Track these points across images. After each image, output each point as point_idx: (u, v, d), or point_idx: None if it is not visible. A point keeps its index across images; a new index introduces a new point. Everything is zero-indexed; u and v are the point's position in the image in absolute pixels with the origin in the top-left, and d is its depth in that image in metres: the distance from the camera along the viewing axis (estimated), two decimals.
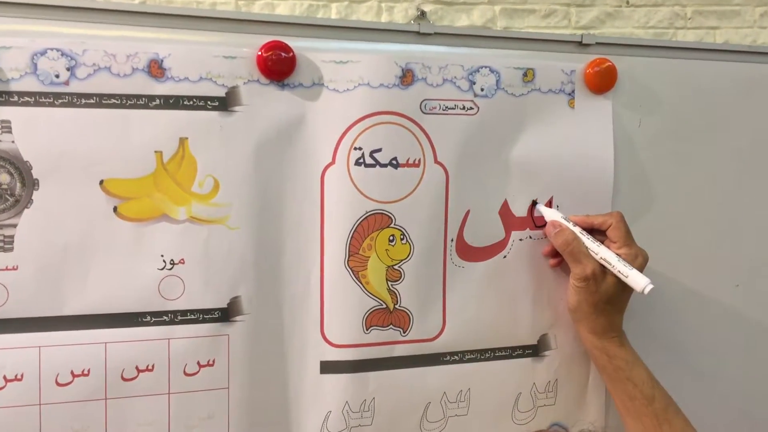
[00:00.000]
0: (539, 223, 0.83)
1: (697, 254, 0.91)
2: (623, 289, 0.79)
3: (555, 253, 0.83)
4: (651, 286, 0.75)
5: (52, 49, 0.68)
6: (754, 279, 0.94)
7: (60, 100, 0.68)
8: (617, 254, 0.78)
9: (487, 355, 0.83)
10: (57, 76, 0.68)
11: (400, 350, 0.80)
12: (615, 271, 0.77)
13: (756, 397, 0.96)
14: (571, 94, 0.83)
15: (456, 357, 0.82)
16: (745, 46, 0.90)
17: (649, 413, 0.77)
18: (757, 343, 0.95)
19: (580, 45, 0.84)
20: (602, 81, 0.83)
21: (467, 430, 0.84)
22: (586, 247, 0.79)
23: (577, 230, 0.80)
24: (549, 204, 0.83)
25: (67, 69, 0.68)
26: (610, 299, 0.79)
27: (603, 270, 0.78)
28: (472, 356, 0.83)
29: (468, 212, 0.81)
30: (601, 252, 0.78)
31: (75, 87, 0.69)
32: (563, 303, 0.84)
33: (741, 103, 0.90)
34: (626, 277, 0.76)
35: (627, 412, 0.80)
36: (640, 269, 0.77)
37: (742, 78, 0.90)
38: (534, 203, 0.83)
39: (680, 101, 0.88)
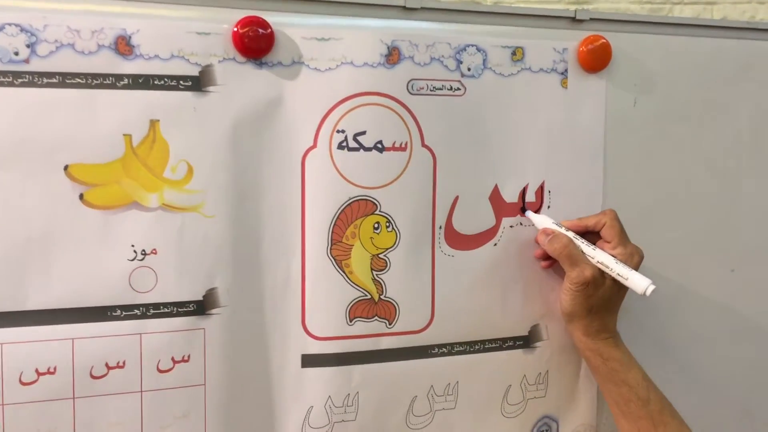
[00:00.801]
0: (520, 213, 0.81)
1: (693, 238, 0.89)
2: (619, 291, 0.77)
3: (547, 256, 0.80)
4: (653, 287, 0.73)
5: (10, 24, 0.63)
6: (749, 264, 0.92)
7: (20, 80, 0.64)
8: (613, 255, 0.76)
9: (477, 347, 0.81)
10: (16, 54, 0.64)
11: (385, 343, 0.77)
12: (614, 274, 0.75)
13: (751, 387, 0.95)
14: (564, 73, 0.80)
15: (444, 349, 0.80)
16: (744, 22, 0.88)
17: (645, 416, 0.76)
18: (753, 329, 0.94)
19: (574, 21, 0.81)
20: (596, 59, 0.80)
21: (455, 424, 0.82)
22: (582, 251, 0.77)
23: (571, 234, 0.78)
24: (541, 189, 0.81)
25: (27, 46, 0.64)
26: (605, 302, 0.77)
27: (601, 273, 0.76)
28: (461, 348, 0.80)
29: (457, 198, 0.78)
30: (597, 255, 0.76)
31: (36, 65, 0.64)
32: (555, 293, 0.82)
33: (739, 81, 0.88)
34: (626, 279, 0.75)
35: (622, 415, 0.78)
36: (636, 268, 0.76)
37: (741, 55, 0.88)
38: (523, 210, 0.80)
39: (676, 79, 0.86)
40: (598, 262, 0.76)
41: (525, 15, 0.80)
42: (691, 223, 0.89)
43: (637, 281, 0.74)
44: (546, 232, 0.78)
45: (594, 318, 0.78)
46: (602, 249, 0.77)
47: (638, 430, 0.76)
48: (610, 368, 0.78)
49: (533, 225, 0.81)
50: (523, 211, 0.80)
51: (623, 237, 0.78)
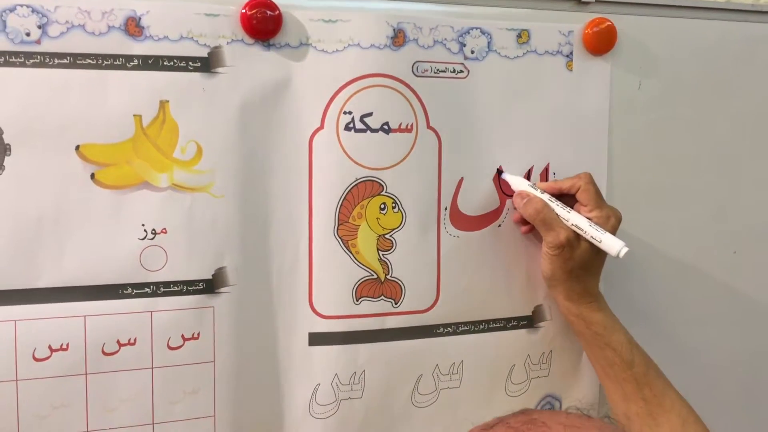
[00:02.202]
0: (507, 192, 0.81)
1: (696, 220, 0.90)
2: (597, 254, 0.77)
3: (525, 221, 0.80)
4: (626, 249, 0.73)
5: (21, 5, 0.64)
6: (752, 246, 0.93)
7: (31, 60, 0.65)
8: (588, 218, 0.76)
9: (481, 326, 0.82)
10: (28, 35, 0.64)
11: (391, 322, 0.78)
12: (588, 237, 0.75)
13: (752, 366, 0.96)
14: (569, 55, 0.80)
15: (449, 329, 0.80)
16: (749, 5, 0.88)
17: (629, 378, 0.76)
18: (754, 310, 0.94)
19: (579, 3, 0.81)
20: (601, 42, 0.81)
21: (459, 402, 0.82)
22: (557, 214, 0.76)
23: (546, 197, 0.77)
24: (546, 171, 0.81)
25: (39, 27, 0.64)
26: (584, 265, 0.77)
27: (576, 236, 0.76)
28: (465, 328, 0.81)
29: (462, 180, 0.79)
30: (572, 218, 0.76)
31: (47, 46, 0.65)
32: None
33: (744, 64, 0.89)
34: (599, 242, 0.74)
35: (607, 378, 0.79)
36: (613, 231, 0.76)
37: (745, 38, 0.88)
38: (499, 172, 0.80)
39: (681, 62, 0.86)
40: (572, 224, 0.75)
41: None
42: (695, 204, 0.89)
43: (610, 243, 0.74)
44: (522, 195, 0.78)
45: (574, 282, 0.77)
46: (578, 212, 0.76)
47: (623, 392, 0.77)
48: (593, 332, 0.78)
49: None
50: (499, 173, 0.80)
51: (599, 200, 0.77)
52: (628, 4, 0.83)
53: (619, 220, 0.77)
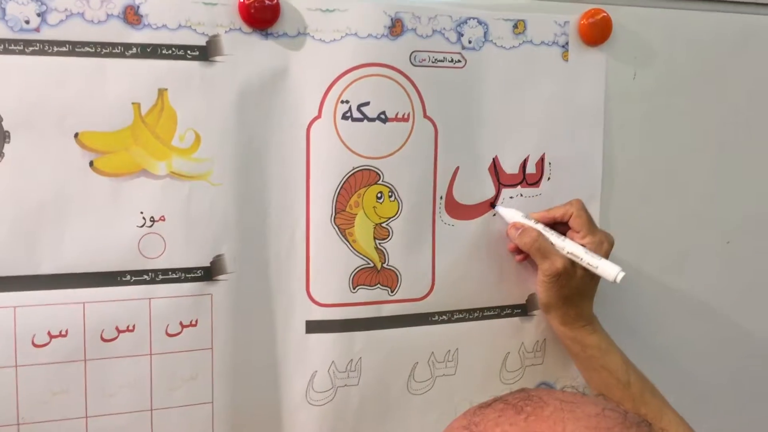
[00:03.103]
0: (508, 225, 0.81)
1: (689, 210, 0.90)
2: (591, 279, 0.78)
3: (520, 250, 0.80)
4: (622, 274, 0.74)
5: None
6: (744, 236, 0.93)
7: (31, 48, 0.65)
8: (583, 245, 0.77)
9: (476, 314, 0.83)
10: (27, 22, 0.64)
11: (387, 310, 0.78)
12: (584, 264, 0.76)
13: (746, 355, 0.97)
14: (565, 46, 0.81)
15: (444, 317, 0.81)
16: None
17: (626, 398, 0.77)
18: (747, 301, 0.95)
19: None
20: (597, 32, 0.81)
21: (455, 389, 0.83)
22: (552, 243, 0.77)
23: (540, 227, 0.78)
24: (541, 161, 0.82)
25: (38, 14, 0.65)
26: (579, 290, 0.78)
27: (572, 263, 0.77)
28: (460, 316, 0.82)
29: (457, 169, 0.79)
30: (567, 246, 0.77)
31: (46, 34, 0.65)
32: None
33: (738, 55, 0.89)
34: (596, 268, 0.75)
35: None
36: (607, 255, 0.77)
37: (740, 29, 0.89)
38: (492, 205, 0.81)
39: (676, 53, 0.86)
40: (568, 252, 0.76)
41: None
42: (689, 195, 0.90)
43: (607, 269, 0.75)
44: (516, 226, 0.79)
45: (570, 307, 0.79)
46: (572, 239, 0.78)
47: None
48: (589, 355, 0.79)
49: (533, 196, 0.82)
50: (492, 206, 0.81)
51: (591, 226, 0.78)
52: None
53: (611, 244, 0.78)
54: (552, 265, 0.76)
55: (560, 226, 0.80)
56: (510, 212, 0.80)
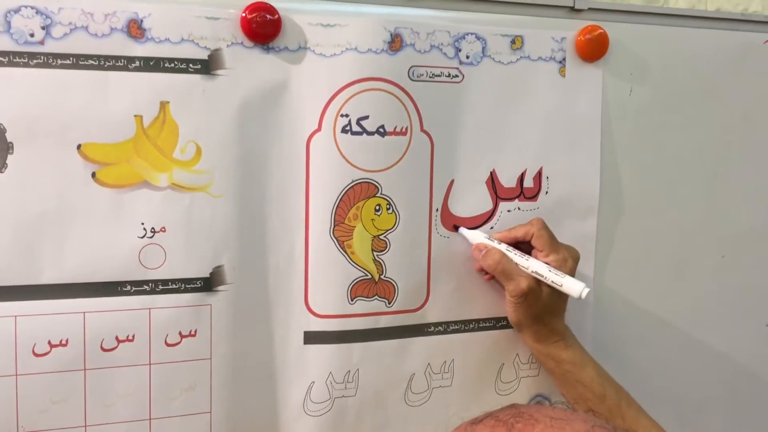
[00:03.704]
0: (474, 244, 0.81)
1: (685, 225, 0.91)
2: (560, 296, 0.78)
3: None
4: (587, 290, 0.74)
5: (26, 7, 0.65)
6: (740, 250, 0.94)
7: (35, 60, 0.65)
8: (546, 263, 0.77)
9: (471, 326, 0.83)
10: (32, 35, 0.65)
11: (384, 321, 0.79)
12: (548, 282, 0.76)
13: (742, 367, 0.97)
14: (562, 62, 0.82)
15: (440, 328, 0.82)
16: (737, 14, 0.90)
17: (602, 411, 0.77)
18: (742, 315, 0.96)
19: (572, 10, 0.83)
20: (594, 49, 0.82)
21: (451, 400, 0.83)
22: (516, 263, 0.77)
23: (503, 247, 0.78)
24: (539, 175, 0.83)
25: (43, 28, 0.65)
26: (548, 308, 0.78)
27: (537, 282, 0.77)
28: (456, 327, 0.82)
29: (452, 182, 0.80)
30: (531, 265, 0.77)
31: (51, 47, 0.66)
32: None
33: (732, 72, 0.90)
34: (560, 286, 0.75)
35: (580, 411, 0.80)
36: (572, 272, 0.77)
37: (734, 46, 0.90)
38: (456, 228, 0.81)
39: (671, 69, 0.87)
40: (532, 271, 0.76)
41: (524, 4, 0.81)
42: (684, 210, 0.91)
43: (571, 286, 0.75)
44: (479, 248, 0.79)
45: (540, 325, 0.79)
46: (536, 258, 0.78)
47: None
48: (564, 370, 0.79)
49: (531, 210, 0.83)
50: (456, 228, 0.81)
51: (554, 244, 0.78)
52: (620, 12, 0.84)
53: (576, 260, 0.78)
54: (517, 286, 0.76)
55: (525, 245, 0.80)
56: (472, 233, 0.80)
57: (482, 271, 0.81)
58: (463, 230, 0.81)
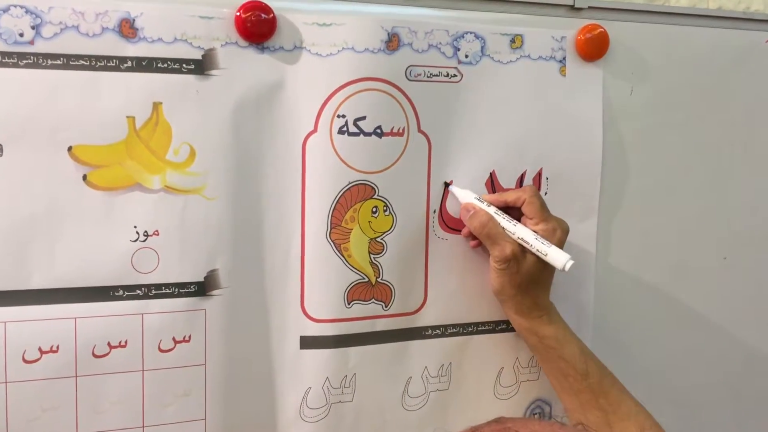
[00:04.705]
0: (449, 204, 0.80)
1: (686, 226, 0.90)
2: (545, 267, 0.76)
3: (473, 234, 0.79)
4: (571, 262, 0.73)
5: (15, 6, 0.63)
6: (742, 251, 0.93)
7: (25, 61, 0.64)
8: (534, 231, 0.75)
9: (470, 329, 0.82)
10: (21, 35, 0.64)
11: (381, 325, 0.78)
12: (533, 250, 0.74)
13: (745, 370, 0.97)
14: (562, 61, 0.81)
15: (438, 331, 0.81)
16: (739, 13, 0.89)
17: (584, 388, 0.76)
18: (745, 317, 0.95)
19: (572, 9, 0.82)
20: (594, 48, 0.81)
21: (449, 405, 0.83)
22: (503, 228, 0.75)
23: (492, 210, 0.76)
24: (539, 176, 0.82)
25: (32, 27, 0.64)
26: (532, 278, 0.76)
27: (522, 250, 0.75)
28: (454, 330, 0.81)
29: (450, 183, 0.79)
30: (517, 231, 0.75)
31: (41, 47, 0.64)
32: None
33: (734, 71, 0.89)
34: (545, 255, 0.74)
35: (562, 390, 0.79)
36: (560, 244, 0.75)
37: (736, 45, 0.89)
38: (446, 184, 0.80)
39: (672, 69, 0.86)
40: (518, 238, 0.75)
41: (523, 2, 0.80)
42: (685, 210, 0.90)
43: (555, 256, 0.73)
44: (467, 208, 0.77)
45: (524, 295, 0.76)
46: (525, 225, 0.76)
47: (580, 403, 0.76)
48: (546, 345, 0.77)
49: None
50: (446, 185, 0.79)
51: (544, 212, 0.76)
52: (621, 11, 0.83)
53: (565, 232, 0.76)
54: (501, 251, 0.74)
55: (514, 212, 0.78)
56: (463, 192, 0.78)
57: (469, 236, 0.80)
58: (453, 188, 0.79)
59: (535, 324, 0.77)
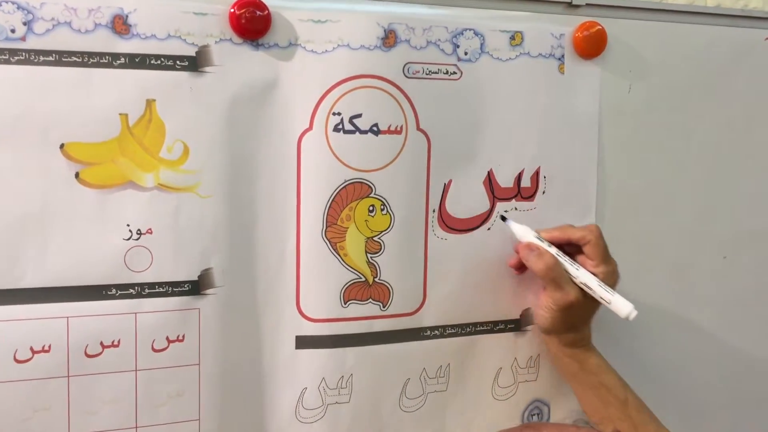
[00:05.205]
0: (516, 239, 0.79)
1: (685, 225, 0.90)
2: (595, 304, 0.76)
3: (522, 265, 0.79)
4: (635, 313, 0.73)
5: (7, 2, 0.63)
6: (742, 250, 0.93)
7: (16, 57, 0.64)
8: (594, 274, 0.75)
9: (468, 329, 0.81)
10: (13, 31, 0.63)
11: (379, 325, 0.77)
12: (596, 296, 0.74)
13: (743, 370, 0.96)
14: (561, 58, 0.80)
15: (437, 332, 0.80)
16: (737, 10, 0.89)
17: (625, 417, 0.76)
18: (744, 316, 0.95)
19: (570, 6, 0.81)
20: (591, 46, 0.81)
21: (447, 406, 0.82)
22: (566, 270, 0.75)
23: (554, 251, 0.76)
24: (536, 175, 0.81)
25: (24, 23, 0.63)
26: (583, 317, 0.77)
27: (584, 293, 0.75)
28: (453, 331, 0.81)
29: (450, 182, 0.78)
30: (580, 276, 0.75)
31: (33, 43, 0.64)
32: None
33: (733, 68, 0.89)
34: (609, 303, 0.74)
35: (600, 420, 0.78)
36: (615, 286, 0.75)
37: (735, 42, 0.88)
38: (503, 218, 0.80)
39: (671, 66, 0.86)
40: (581, 282, 0.75)
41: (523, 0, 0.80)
42: (684, 209, 0.89)
43: (620, 306, 0.73)
44: (531, 247, 0.76)
45: (571, 332, 0.77)
46: (583, 266, 0.76)
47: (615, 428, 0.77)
48: (587, 372, 0.78)
49: (527, 210, 0.81)
50: (503, 219, 0.80)
51: (607, 255, 0.76)
52: (619, 8, 0.83)
53: (618, 274, 0.77)
54: (565, 297, 0.74)
55: (570, 247, 0.78)
56: (522, 229, 0.78)
57: (516, 267, 0.80)
58: (511, 223, 0.79)
59: (578, 352, 0.78)
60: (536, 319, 0.80)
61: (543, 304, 0.76)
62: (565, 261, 0.75)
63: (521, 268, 0.80)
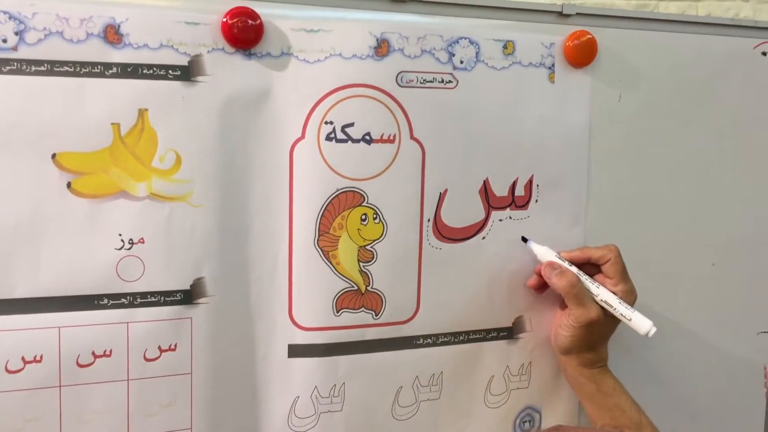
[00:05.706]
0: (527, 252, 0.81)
1: (674, 233, 0.90)
2: (614, 323, 0.78)
3: (541, 284, 0.80)
4: (654, 329, 0.74)
5: None
6: (730, 258, 0.93)
7: (8, 67, 0.63)
8: (614, 292, 0.76)
9: (461, 337, 0.81)
10: (4, 41, 0.63)
11: (371, 334, 0.77)
12: (617, 314, 0.76)
13: (732, 378, 0.96)
14: (551, 67, 0.80)
15: (429, 340, 0.80)
16: (728, 19, 0.89)
17: None
18: (732, 323, 0.95)
19: (561, 15, 0.81)
20: (582, 55, 0.81)
21: (439, 414, 0.82)
22: (587, 289, 0.77)
23: (574, 269, 0.78)
24: (530, 183, 0.81)
25: (16, 33, 0.63)
26: (602, 336, 0.78)
27: (604, 311, 0.76)
28: (445, 339, 0.81)
29: (446, 191, 0.78)
30: (601, 294, 0.77)
31: (24, 53, 0.64)
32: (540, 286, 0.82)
33: (723, 77, 0.89)
34: (629, 320, 0.75)
35: None
36: (633, 304, 0.77)
37: (724, 52, 0.89)
38: (524, 240, 0.81)
39: (661, 75, 0.86)
40: (602, 300, 0.76)
41: (513, 9, 0.80)
42: (674, 217, 0.90)
43: (640, 323, 0.75)
44: (553, 266, 0.78)
45: (589, 351, 0.78)
46: (603, 284, 0.77)
47: None
48: (603, 393, 0.78)
49: (521, 219, 0.81)
50: (524, 240, 0.81)
51: (625, 274, 0.78)
52: (609, 17, 0.83)
53: (636, 294, 0.78)
54: (586, 314, 0.75)
55: (588, 266, 0.79)
56: (543, 250, 0.79)
57: (536, 287, 0.81)
58: (533, 244, 0.80)
59: (596, 373, 0.79)
60: (554, 340, 0.81)
61: (563, 323, 0.78)
62: (586, 279, 0.77)
63: (541, 288, 0.81)
